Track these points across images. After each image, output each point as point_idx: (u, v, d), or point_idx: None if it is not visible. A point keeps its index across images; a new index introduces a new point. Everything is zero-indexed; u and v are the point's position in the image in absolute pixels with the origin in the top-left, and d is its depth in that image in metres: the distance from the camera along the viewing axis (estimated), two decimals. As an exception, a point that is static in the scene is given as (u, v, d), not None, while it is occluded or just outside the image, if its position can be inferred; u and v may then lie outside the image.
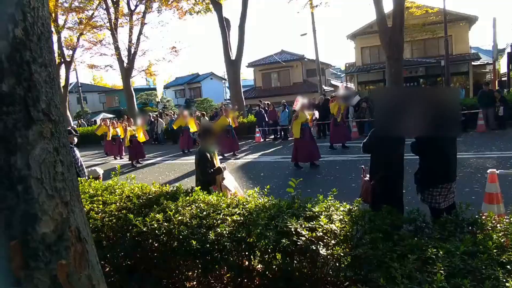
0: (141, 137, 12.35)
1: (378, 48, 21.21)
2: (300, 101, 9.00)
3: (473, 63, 23.92)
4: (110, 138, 14.76)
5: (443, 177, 3.59)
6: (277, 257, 2.21)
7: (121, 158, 14.50)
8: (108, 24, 20.90)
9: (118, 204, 3.31)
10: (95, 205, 3.31)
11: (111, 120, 17.21)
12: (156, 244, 2.81)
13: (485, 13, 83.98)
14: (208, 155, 4.20)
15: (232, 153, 12.28)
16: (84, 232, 1.31)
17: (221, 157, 11.36)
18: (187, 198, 3.14)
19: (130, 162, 12.35)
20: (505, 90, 16.16)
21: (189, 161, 12.06)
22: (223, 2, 18.30)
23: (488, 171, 4.46)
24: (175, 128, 14.40)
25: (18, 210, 1.09)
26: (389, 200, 3.48)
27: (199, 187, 3.44)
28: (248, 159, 11.58)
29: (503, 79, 24.57)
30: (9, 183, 1.07)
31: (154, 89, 32.78)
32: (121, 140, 14.56)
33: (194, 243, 2.37)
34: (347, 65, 31.71)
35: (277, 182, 7.74)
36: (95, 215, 3.10)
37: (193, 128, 14.26)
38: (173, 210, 2.84)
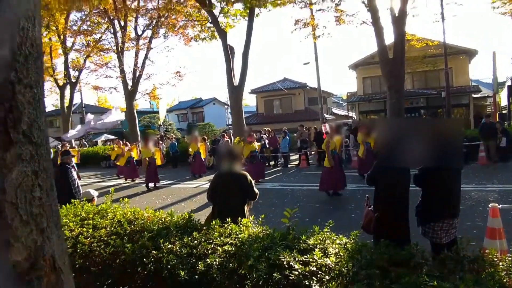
0: (159, 160, 12.42)
1: (380, 78, 21.48)
2: (328, 128, 8.84)
3: (473, 95, 24.13)
4: (123, 163, 14.56)
5: (446, 212, 3.51)
6: (269, 291, 2.11)
7: (133, 180, 14.21)
8: (114, 48, 21.37)
9: (108, 229, 3.21)
10: (84, 229, 3.21)
11: (124, 142, 17.05)
12: (145, 272, 2.70)
13: (485, 46, 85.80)
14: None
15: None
16: (60, 261, 1.24)
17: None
18: (180, 225, 3.05)
19: (145, 184, 12.17)
20: (505, 122, 16.20)
21: (189, 186, 11.96)
22: (228, 30, 18.75)
23: (490, 205, 4.37)
24: (191, 154, 14.14)
25: (-11, 236, 1.03)
26: (393, 233, 3.39)
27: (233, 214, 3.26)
28: (247, 185, 11.48)
29: (503, 111, 24.75)
30: (-19, 207, 1.02)
31: (157, 112, 33.06)
32: (135, 162, 14.51)
33: (182, 273, 2.27)
34: (348, 94, 32.09)
35: (274, 210, 7.60)
36: (83, 240, 3.00)
37: (203, 153, 14.17)
38: (163, 238, 2.75)
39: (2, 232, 1.07)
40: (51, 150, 21.57)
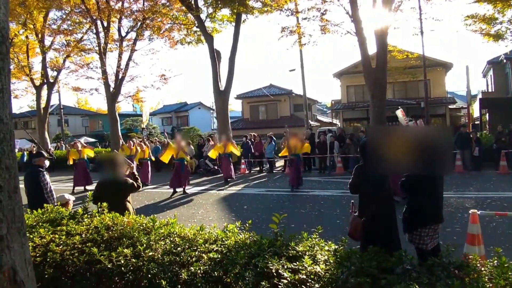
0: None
1: (363, 87, 21.81)
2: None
3: (449, 106, 24.82)
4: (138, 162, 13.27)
5: (433, 217, 3.53)
6: (255, 302, 1.99)
7: (145, 184, 12.41)
8: (97, 48, 20.74)
9: (83, 235, 3.02)
10: (57, 236, 3.00)
11: (135, 140, 15.18)
12: (123, 282, 2.53)
13: (460, 60, 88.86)
14: None
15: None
16: (22, 273, 1.10)
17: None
18: (162, 231, 2.90)
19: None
20: (477, 132, 16.74)
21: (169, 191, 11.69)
22: (214, 35, 18.67)
23: (470, 212, 4.42)
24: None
25: None
26: (381, 237, 3.35)
27: None
28: (232, 191, 11.32)
29: (476, 122, 25.63)
30: None
31: (141, 115, 32.51)
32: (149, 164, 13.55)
33: (164, 283, 2.13)
34: (333, 102, 32.42)
35: (260, 216, 7.49)
36: (55, 248, 2.77)
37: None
38: (144, 245, 2.60)
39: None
40: (25, 153, 20.65)
